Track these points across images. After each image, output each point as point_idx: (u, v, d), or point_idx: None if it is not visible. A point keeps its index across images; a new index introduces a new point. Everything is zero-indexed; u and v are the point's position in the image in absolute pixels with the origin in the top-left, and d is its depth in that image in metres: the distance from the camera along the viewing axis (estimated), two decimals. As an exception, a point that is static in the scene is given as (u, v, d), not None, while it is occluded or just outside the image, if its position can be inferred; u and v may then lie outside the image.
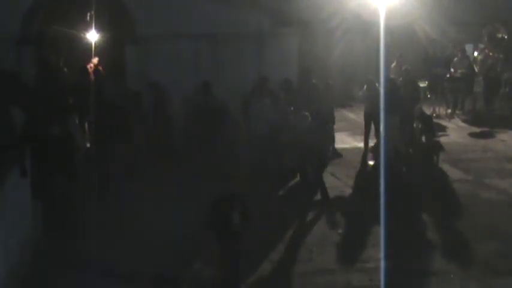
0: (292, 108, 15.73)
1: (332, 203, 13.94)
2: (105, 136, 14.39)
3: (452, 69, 21.74)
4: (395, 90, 16.56)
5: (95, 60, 17.27)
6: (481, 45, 24.17)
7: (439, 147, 16.64)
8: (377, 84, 16.54)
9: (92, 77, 16.57)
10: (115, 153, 14.65)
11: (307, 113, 14.76)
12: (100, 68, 17.42)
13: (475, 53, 23.23)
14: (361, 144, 17.54)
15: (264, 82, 16.52)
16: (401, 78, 18.09)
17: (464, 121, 21.08)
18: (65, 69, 17.46)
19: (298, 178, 15.05)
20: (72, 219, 12.05)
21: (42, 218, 11.95)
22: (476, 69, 22.32)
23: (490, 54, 22.24)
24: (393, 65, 20.52)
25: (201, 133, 16.08)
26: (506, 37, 23.49)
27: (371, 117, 16.87)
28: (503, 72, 22.24)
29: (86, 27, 17.35)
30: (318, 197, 14.19)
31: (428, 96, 22.21)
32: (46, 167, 11.89)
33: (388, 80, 16.60)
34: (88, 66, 17.09)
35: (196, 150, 15.78)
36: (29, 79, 15.60)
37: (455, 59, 22.01)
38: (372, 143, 17.31)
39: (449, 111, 21.70)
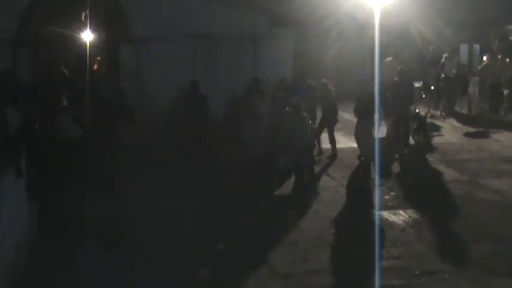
0: (288, 108, 15.76)
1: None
2: (101, 135, 14.41)
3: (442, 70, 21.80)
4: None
5: (97, 60, 17.27)
6: (476, 46, 24.17)
7: (429, 148, 16.76)
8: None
9: (88, 77, 16.57)
10: (111, 151, 14.69)
11: (305, 114, 14.81)
12: (96, 67, 17.42)
13: (484, 57, 22.91)
14: (356, 145, 17.57)
15: (254, 83, 16.55)
16: (396, 79, 18.11)
17: (459, 121, 21.12)
18: (61, 70, 17.45)
19: (293, 178, 15.07)
20: (68, 218, 12.06)
21: (38, 218, 11.96)
22: (477, 68, 22.27)
23: (499, 57, 22.08)
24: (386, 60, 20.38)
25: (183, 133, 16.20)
26: None
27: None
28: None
29: (82, 27, 17.36)
30: (315, 196, 14.27)
31: (423, 96, 22.24)
32: (42, 167, 11.89)
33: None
34: (86, 67, 17.09)
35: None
36: (25, 79, 15.60)
37: (443, 60, 22.03)
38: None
39: (444, 112, 21.74)
